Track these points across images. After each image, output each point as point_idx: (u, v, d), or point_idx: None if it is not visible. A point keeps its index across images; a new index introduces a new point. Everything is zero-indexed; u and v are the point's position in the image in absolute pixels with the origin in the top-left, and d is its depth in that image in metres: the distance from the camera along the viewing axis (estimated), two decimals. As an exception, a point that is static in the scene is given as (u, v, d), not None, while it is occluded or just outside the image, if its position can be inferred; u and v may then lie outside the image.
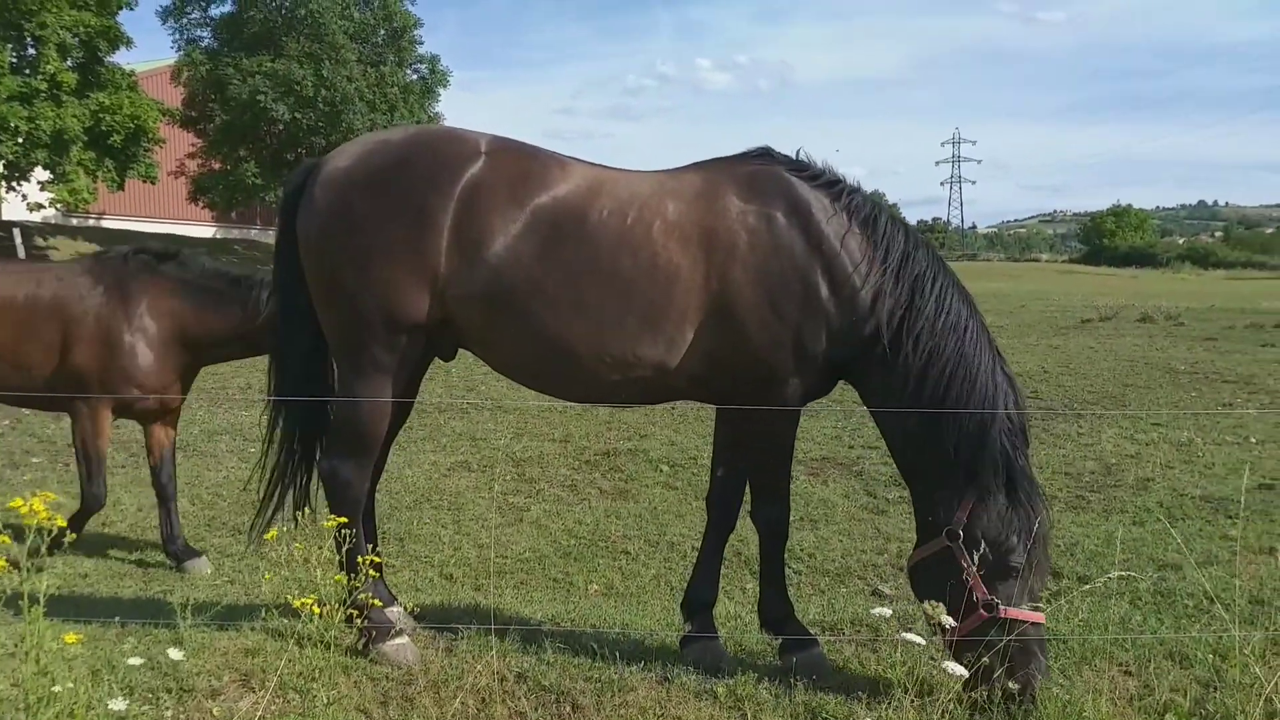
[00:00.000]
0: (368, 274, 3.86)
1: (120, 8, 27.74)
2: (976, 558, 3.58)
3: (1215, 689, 3.38)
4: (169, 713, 3.23)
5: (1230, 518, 6.95)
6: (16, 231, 29.23)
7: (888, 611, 3.61)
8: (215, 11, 33.42)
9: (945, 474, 3.77)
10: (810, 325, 3.84)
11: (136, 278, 5.85)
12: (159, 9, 33.35)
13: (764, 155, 4.20)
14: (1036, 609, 3.60)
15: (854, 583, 5.92)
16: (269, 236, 42.91)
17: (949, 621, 3.28)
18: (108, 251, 6.19)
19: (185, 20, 33.46)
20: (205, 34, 33.68)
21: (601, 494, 8.24)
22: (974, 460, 3.72)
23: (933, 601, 3.46)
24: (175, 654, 3.13)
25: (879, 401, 3.99)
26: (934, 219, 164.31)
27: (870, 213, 4.04)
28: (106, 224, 38.17)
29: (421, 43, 35.43)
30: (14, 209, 31.41)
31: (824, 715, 3.40)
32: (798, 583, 5.86)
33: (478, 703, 3.33)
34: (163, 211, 41.15)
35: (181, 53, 33.38)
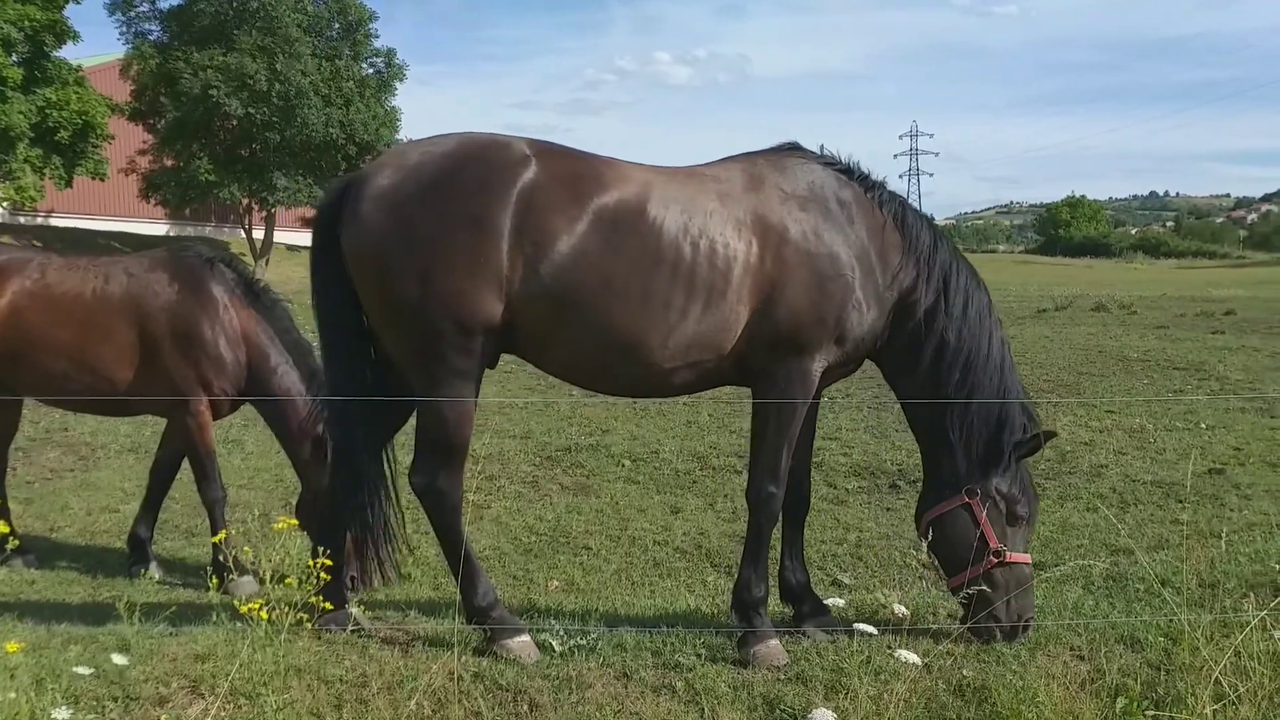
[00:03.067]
0: (434, 286, 3.87)
1: (67, 1, 27.14)
2: (987, 510, 4.18)
3: (1166, 671, 3.44)
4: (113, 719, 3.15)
5: (1180, 502, 7.09)
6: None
7: (841, 602, 3.62)
8: (164, 4, 32.75)
9: (964, 445, 4.28)
10: (851, 304, 4.15)
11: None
12: (106, 2, 32.64)
13: (796, 149, 4.51)
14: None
15: (814, 573, 5.92)
16: (224, 234, 42.16)
17: (903, 611, 3.31)
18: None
19: (133, 13, 32.72)
20: (154, 27, 32.96)
21: (563, 490, 8.20)
22: (996, 431, 4.27)
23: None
24: (119, 659, 3.05)
25: (910, 381, 4.40)
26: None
27: (898, 206, 4.43)
28: (55, 222, 37.31)
29: (377, 36, 34.97)
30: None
31: (782, 708, 3.40)
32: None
33: (433, 703, 3.28)
34: (114, 209, 40.27)
35: (130, 46, 32.65)
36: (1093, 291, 30.17)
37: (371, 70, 35.23)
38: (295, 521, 3.28)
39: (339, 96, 32.13)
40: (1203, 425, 9.80)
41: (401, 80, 35.71)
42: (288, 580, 2.93)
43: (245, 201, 34.30)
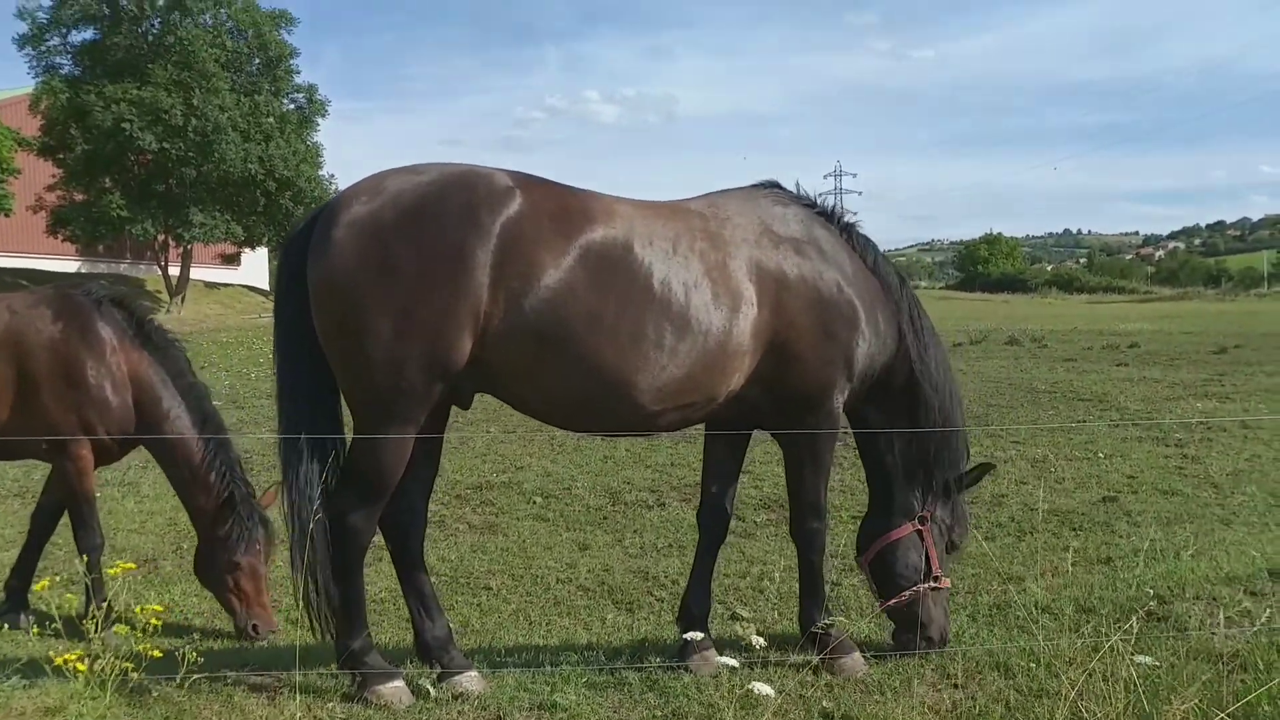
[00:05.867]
0: (406, 318, 3.75)
1: (-30, 32, 26.30)
2: (934, 537, 4.49)
3: (1032, 696, 3.49)
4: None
5: (1075, 530, 7.25)
6: None
7: (699, 637, 3.58)
8: (76, 38, 32.00)
9: (919, 476, 4.54)
10: (857, 345, 4.33)
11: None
12: (15, 36, 31.74)
13: (776, 188, 4.67)
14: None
15: (714, 606, 5.91)
16: (140, 270, 41.02)
17: (761, 642, 3.32)
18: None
19: (44, 47, 31.88)
20: (65, 61, 32.16)
21: (470, 529, 8.05)
22: (954, 462, 4.56)
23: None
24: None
25: (877, 413, 4.61)
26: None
27: (871, 249, 4.64)
28: (-42, 259, 35.87)
29: (298, 72, 34.67)
30: None
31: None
32: (659, 609, 5.81)
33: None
34: (21, 246, 38.86)
35: (40, 80, 31.77)
36: (1008, 326, 31.04)
37: (292, 106, 34.86)
38: (132, 566, 3.13)
39: (258, 132, 31.69)
40: (1100, 454, 10.08)
41: (323, 116, 35.47)
42: (117, 629, 2.79)
43: (161, 238, 33.46)
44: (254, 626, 5.27)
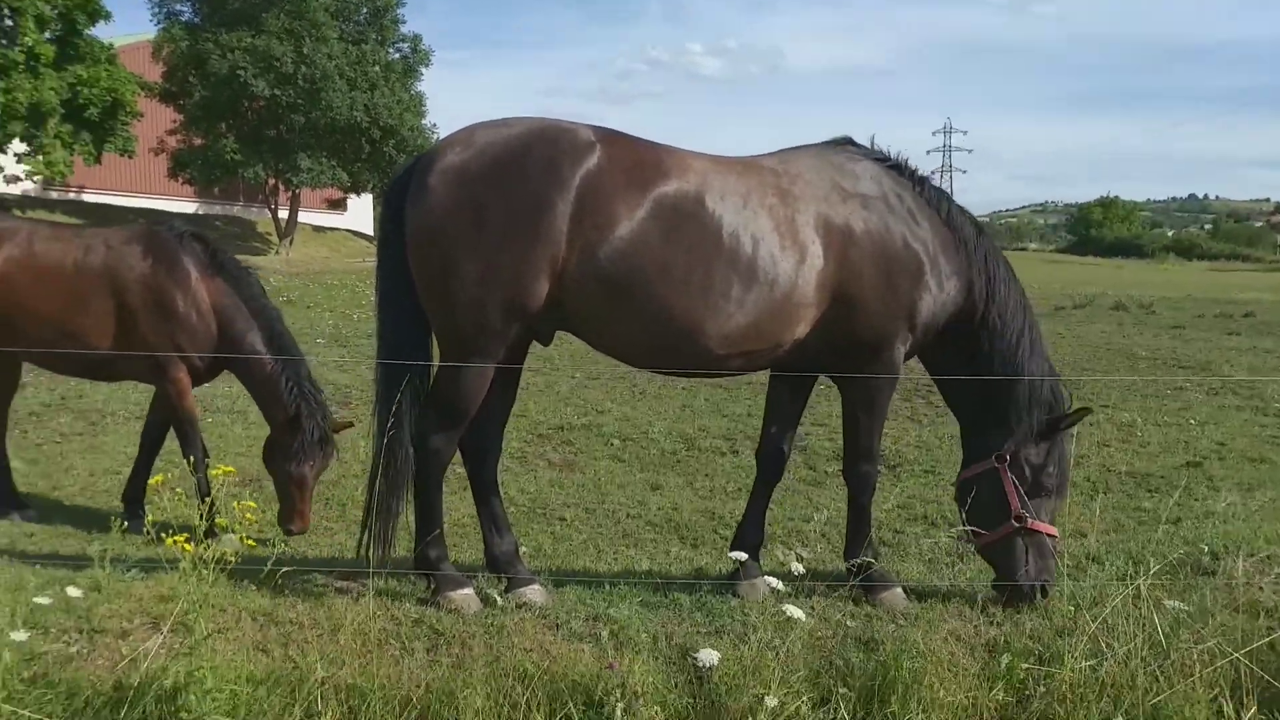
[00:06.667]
0: (491, 261, 4.04)
1: (100, -20, 27.60)
2: (1014, 477, 4.47)
3: (1055, 634, 3.60)
4: (74, 649, 3.39)
5: (1152, 492, 7.18)
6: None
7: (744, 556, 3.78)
8: (196, -14, 33.22)
9: (999, 418, 4.56)
10: (921, 297, 4.44)
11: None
12: (139, -17, 33.15)
13: (849, 144, 4.75)
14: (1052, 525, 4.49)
15: (776, 547, 6.10)
16: (251, 214, 42.72)
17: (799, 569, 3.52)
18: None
19: (165, -6, 33.24)
20: (185, 8, 33.48)
21: (550, 465, 8.40)
22: (1029, 405, 4.54)
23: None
24: (74, 592, 3.28)
25: (952, 362, 4.70)
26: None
27: (946, 201, 4.70)
28: (86, 198, 37.99)
29: (404, 22, 35.31)
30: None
31: (692, 655, 3.58)
32: (720, 545, 6.03)
33: (371, 642, 3.50)
34: (144, 187, 40.88)
35: (161, 27, 33.17)
36: (1117, 291, 29.94)
37: (398, 55, 35.56)
38: (232, 470, 3.52)
39: (364, 80, 32.46)
40: (1193, 421, 9.83)
41: (427, 65, 36.02)
42: (219, 521, 3.15)
43: (270, 182, 34.79)
44: (288, 527, 5.82)
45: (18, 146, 27.02)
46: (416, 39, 35.73)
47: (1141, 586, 3.22)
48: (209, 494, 5.73)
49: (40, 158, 26.65)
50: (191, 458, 5.64)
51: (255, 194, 39.84)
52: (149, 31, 35.16)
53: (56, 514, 6.56)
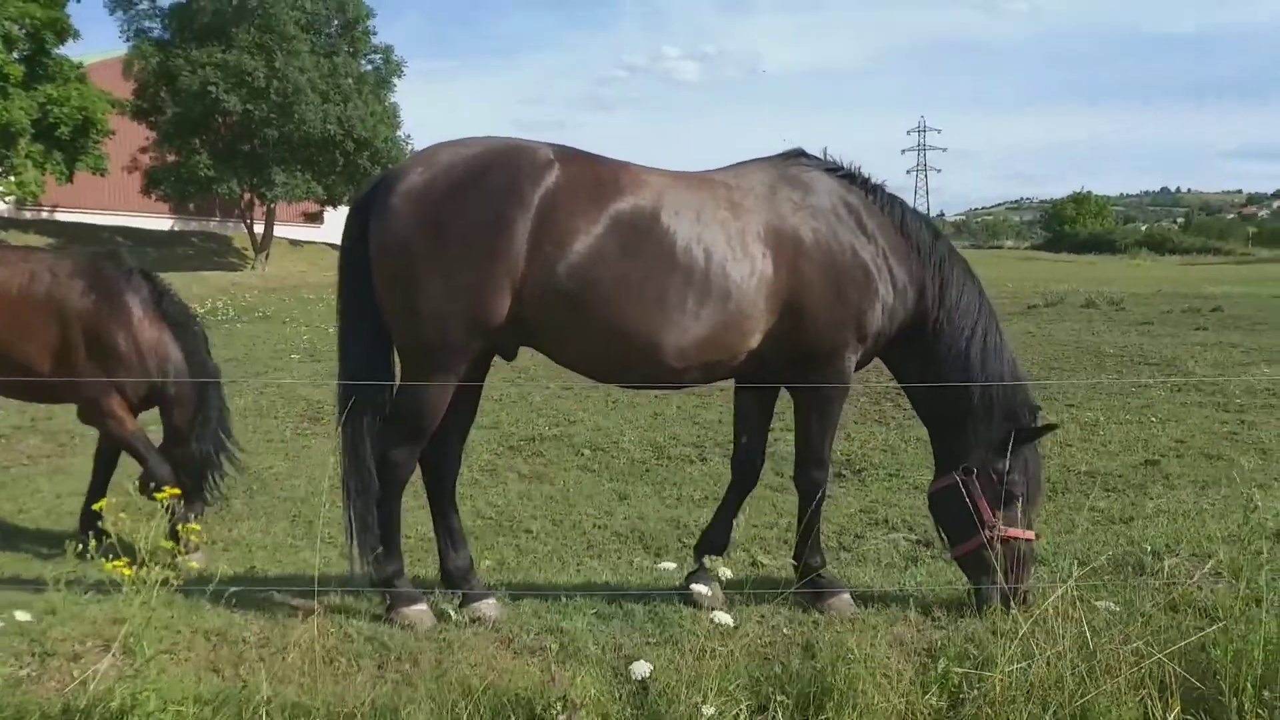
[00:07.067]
0: (452, 278, 4.12)
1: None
2: (982, 487, 4.47)
3: (989, 635, 3.70)
4: (25, 671, 3.43)
5: (1107, 490, 7.30)
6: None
7: (672, 566, 3.85)
8: (164, 2, 33.16)
9: (963, 428, 4.58)
10: (870, 307, 4.49)
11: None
12: (107, 1, 33.04)
13: (800, 156, 4.80)
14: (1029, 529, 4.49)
15: (737, 554, 6.17)
16: (227, 229, 42.52)
17: (726, 574, 3.59)
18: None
19: (134, 11, 33.14)
20: (155, 24, 33.39)
21: (520, 477, 8.45)
22: (992, 413, 4.56)
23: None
24: (22, 616, 3.32)
25: (913, 369, 4.74)
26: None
27: (899, 208, 4.75)
28: (60, 217, 37.74)
29: (375, 33, 35.36)
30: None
31: (632, 655, 3.65)
32: (684, 554, 6.10)
33: (320, 659, 3.54)
34: (118, 204, 40.70)
35: (131, 44, 33.06)
36: (1088, 288, 30.17)
37: (370, 67, 35.57)
38: (177, 491, 3.57)
39: (337, 93, 32.48)
40: (1154, 419, 9.97)
41: (399, 77, 36.09)
42: (163, 542, 3.20)
43: (245, 197, 34.70)
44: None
45: (-12, 167, 26.87)
46: (388, 50, 35.82)
47: (1069, 587, 3.30)
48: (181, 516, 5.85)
49: (12, 178, 26.50)
50: (151, 484, 5.65)
51: (231, 209, 39.73)
52: (119, 49, 35.06)
53: (20, 538, 6.56)
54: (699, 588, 3.79)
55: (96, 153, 28.69)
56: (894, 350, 4.79)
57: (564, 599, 4.43)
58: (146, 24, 33.39)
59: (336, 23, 34.33)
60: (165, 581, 3.06)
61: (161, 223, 41.36)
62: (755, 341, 4.45)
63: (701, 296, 4.27)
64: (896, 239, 4.65)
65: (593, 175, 4.33)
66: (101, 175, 30.16)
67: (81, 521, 6.35)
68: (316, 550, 4.46)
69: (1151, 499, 6.83)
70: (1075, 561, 4.43)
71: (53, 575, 4.06)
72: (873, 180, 4.82)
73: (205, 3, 31.79)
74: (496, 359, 4.64)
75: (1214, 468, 7.90)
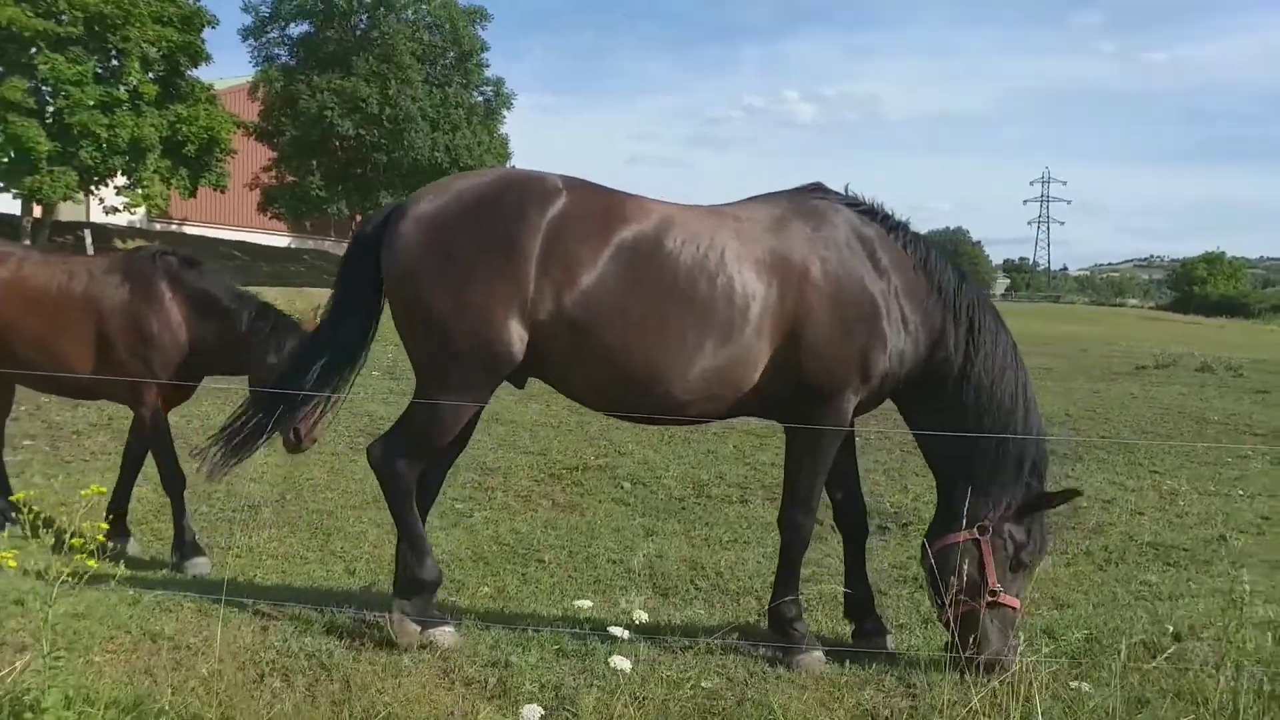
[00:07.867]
0: (462, 301, 4.16)
1: (204, 26, 29.27)
2: (994, 550, 4.24)
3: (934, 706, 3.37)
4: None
5: (1169, 564, 6.73)
6: (87, 233, 30.84)
7: (589, 604, 3.63)
8: (294, 31, 34.96)
9: (982, 485, 4.29)
10: (875, 345, 4.28)
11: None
12: (241, 29, 35.08)
13: (819, 190, 4.65)
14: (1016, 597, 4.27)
15: (748, 602, 5.90)
16: (340, 248, 44.35)
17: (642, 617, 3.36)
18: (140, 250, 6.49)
19: (265, 39, 35.02)
20: (283, 52, 35.21)
21: (552, 505, 8.33)
22: (1013, 471, 4.31)
23: None
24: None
25: (930, 418, 4.47)
26: (1020, 258, 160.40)
27: (922, 246, 4.53)
28: (188, 230, 39.96)
29: (488, 66, 36.48)
30: (95, 213, 33.10)
31: (566, 697, 3.45)
32: (692, 596, 5.86)
33: (250, 675, 3.47)
34: (241, 221, 42.90)
35: (259, 69, 34.93)
36: (1210, 352, 28.55)
37: (481, 98, 36.63)
38: (103, 490, 3.57)
39: (446, 122, 33.54)
40: (1240, 492, 9.22)
41: (509, 109, 37.02)
42: (73, 541, 3.17)
43: (355, 218, 36.09)
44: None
45: (120, 179, 28.61)
46: (499, 83, 36.84)
47: (1030, 664, 2.98)
48: (184, 513, 5.97)
49: (139, 190, 28.15)
50: (168, 486, 5.76)
51: (345, 229, 41.37)
52: (247, 74, 37.06)
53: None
54: (617, 630, 3.60)
55: (219, 170, 30.30)
56: (914, 394, 4.53)
57: (532, 632, 4.27)
58: (276, 51, 35.24)
59: (452, 55, 35.55)
60: (75, 575, 3.03)
61: (279, 240, 43.35)
62: (759, 373, 4.29)
63: (706, 326, 4.16)
64: (914, 277, 4.42)
65: (600, 204, 4.31)
66: (221, 192, 31.81)
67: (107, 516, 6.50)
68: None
69: (1212, 577, 6.25)
70: (1089, 637, 4.03)
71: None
72: (894, 217, 4.60)
73: (331, 32, 33.39)
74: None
75: (1296, 549, 7.21)
